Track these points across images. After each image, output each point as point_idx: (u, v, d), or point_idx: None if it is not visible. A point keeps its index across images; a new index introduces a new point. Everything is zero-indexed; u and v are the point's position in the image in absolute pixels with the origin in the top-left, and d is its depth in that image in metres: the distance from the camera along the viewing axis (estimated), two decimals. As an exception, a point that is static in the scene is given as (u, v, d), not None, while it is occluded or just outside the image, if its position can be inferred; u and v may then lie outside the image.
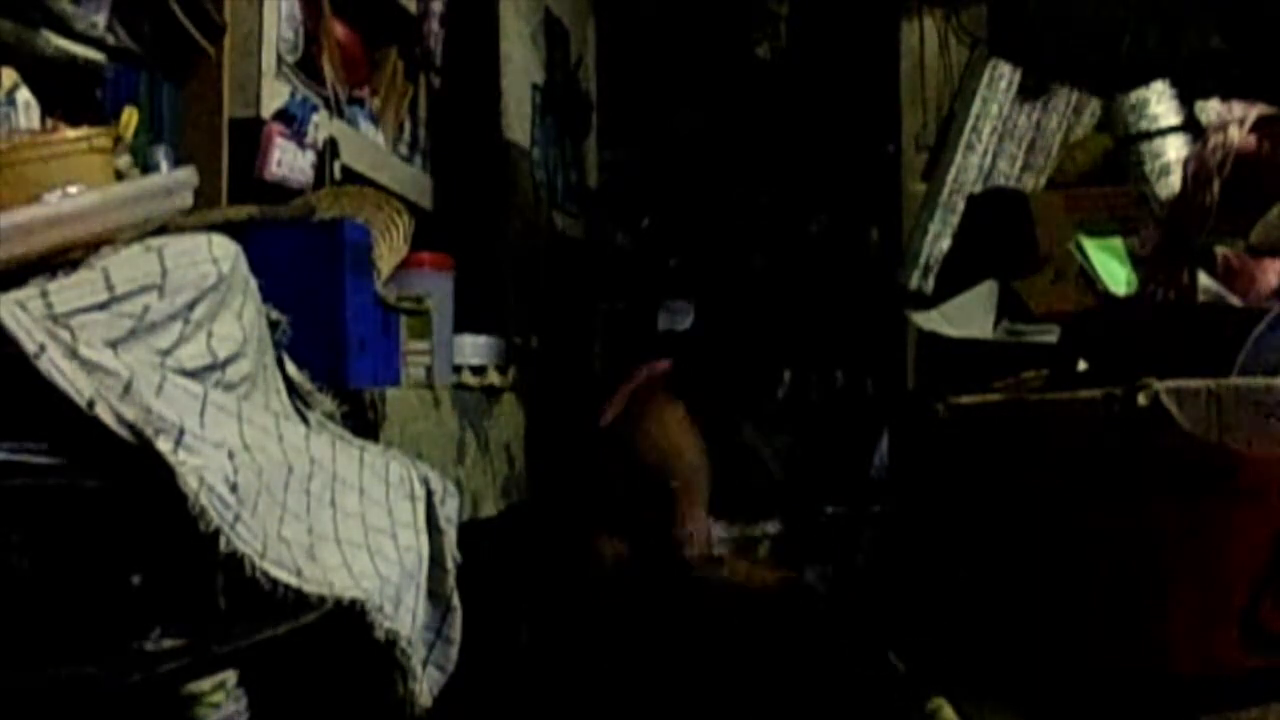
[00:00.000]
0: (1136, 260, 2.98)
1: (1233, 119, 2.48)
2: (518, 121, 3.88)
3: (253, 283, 1.84)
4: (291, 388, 1.99)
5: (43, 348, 1.47)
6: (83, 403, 1.48)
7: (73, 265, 1.61)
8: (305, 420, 1.97)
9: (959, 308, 3.55)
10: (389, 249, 2.66)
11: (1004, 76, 4.12)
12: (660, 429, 2.92)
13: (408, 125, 3.47)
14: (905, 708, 2.15)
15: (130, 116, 2.15)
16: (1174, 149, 3.72)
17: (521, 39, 3.95)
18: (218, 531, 1.52)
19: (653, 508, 2.85)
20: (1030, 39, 4.10)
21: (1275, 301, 2.15)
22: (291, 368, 2.01)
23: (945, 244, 4.10)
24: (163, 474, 1.49)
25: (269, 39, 2.61)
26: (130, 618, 1.50)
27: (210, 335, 1.70)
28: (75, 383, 1.48)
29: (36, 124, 1.94)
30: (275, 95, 2.62)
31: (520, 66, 3.92)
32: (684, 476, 2.85)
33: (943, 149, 4.26)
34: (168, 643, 1.51)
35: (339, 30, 3.02)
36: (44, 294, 1.54)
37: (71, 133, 1.83)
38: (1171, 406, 1.75)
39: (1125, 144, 3.85)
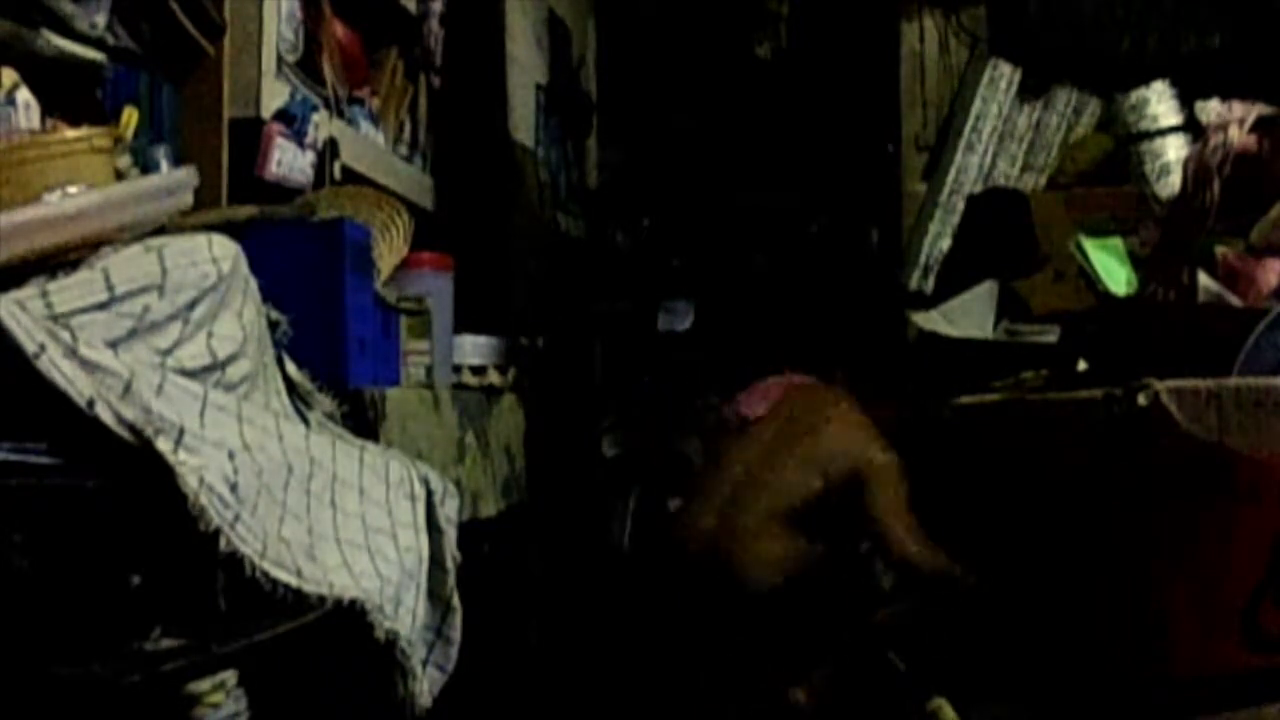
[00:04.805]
0: (1136, 260, 2.98)
1: (1233, 119, 2.48)
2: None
3: (253, 283, 1.84)
4: (291, 388, 1.99)
5: (43, 348, 1.47)
6: (83, 403, 1.48)
7: (73, 265, 1.60)
8: (305, 420, 1.97)
9: (959, 308, 3.55)
10: (389, 249, 2.66)
11: (1004, 76, 4.12)
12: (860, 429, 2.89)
13: (408, 125, 3.47)
14: (905, 708, 2.16)
15: (130, 116, 2.15)
16: (1174, 149, 3.73)
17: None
18: (218, 531, 1.52)
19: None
20: (1030, 39, 4.10)
21: (1275, 301, 2.15)
22: (291, 368, 2.01)
23: (945, 244, 4.11)
24: (163, 474, 1.50)
25: (269, 39, 2.61)
26: (130, 618, 1.50)
27: (210, 335, 1.70)
28: (75, 383, 1.48)
29: (36, 124, 1.93)
30: (275, 95, 2.62)
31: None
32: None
33: (943, 149, 4.27)
34: (167, 643, 1.51)
35: (339, 30, 3.02)
36: (44, 294, 1.54)
37: (71, 133, 1.83)
38: (1171, 406, 1.76)
39: (1125, 144, 3.85)
